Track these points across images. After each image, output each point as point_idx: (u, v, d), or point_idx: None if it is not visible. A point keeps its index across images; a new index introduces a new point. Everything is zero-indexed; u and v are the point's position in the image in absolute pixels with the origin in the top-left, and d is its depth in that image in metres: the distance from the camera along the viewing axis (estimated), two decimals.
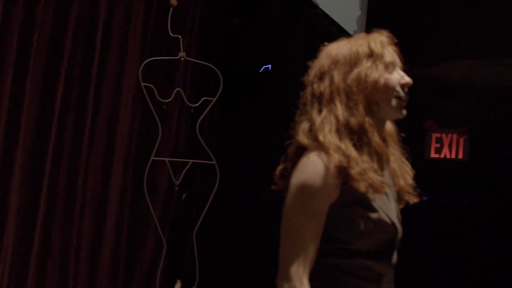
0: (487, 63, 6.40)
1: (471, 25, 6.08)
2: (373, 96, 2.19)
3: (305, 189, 2.09)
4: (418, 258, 7.09)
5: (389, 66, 2.23)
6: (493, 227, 7.30)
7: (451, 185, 7.61)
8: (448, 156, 7.36)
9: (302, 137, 2.17)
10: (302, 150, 2.17)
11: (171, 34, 5.31)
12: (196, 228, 5.45)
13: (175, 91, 5.41)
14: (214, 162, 5.53)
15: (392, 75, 2.23)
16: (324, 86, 2.20)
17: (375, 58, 2.21)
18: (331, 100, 2.17)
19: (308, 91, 2.24)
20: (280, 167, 2.27)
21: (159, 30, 5.36)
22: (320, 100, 2.19)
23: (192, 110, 5.54)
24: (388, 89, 2.21)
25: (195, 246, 5.45)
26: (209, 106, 5.54)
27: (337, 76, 2.19)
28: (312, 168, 2.10)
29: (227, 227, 5.75)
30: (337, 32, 5.96)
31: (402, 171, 2.33)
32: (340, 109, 2.15)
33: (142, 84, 5.21)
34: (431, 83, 7.02)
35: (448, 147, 7.36)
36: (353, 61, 2.20)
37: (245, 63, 5.80)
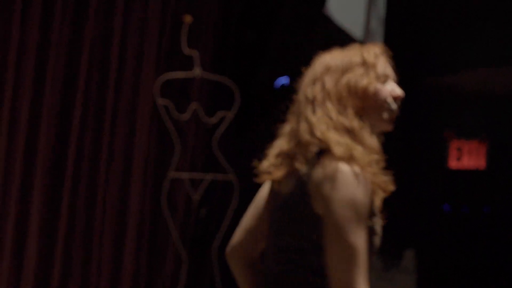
0: (506, 70, 6.36)
1: (489, 33, 6.05)
2: (363, 104, 2.20)
3: (357, 204, 2.05)
4: (440, 267, 7.04)
5: (381, 77, 2.23)
6: None
7: (472, 194, 7.57)
8: (468, 165, 7.31)
9: (311, 135, 2.17)
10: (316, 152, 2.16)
11: (186, 50, 5.28)
12: (216, 244, 5.43)
13: (191, 107, 5.39)
14: (232, 177, 5.51)
15: (384, 86, 2.23)
16: (316, 91, 2.22)
17: (367, 67, 2.22)
18: (323, 103, 2.19)
19: (301, 94, 2.26)
20: (289, 168, 2.27)
21: (173, 47, 5.35)
22: (313, 102, 2.21)
23: (209, 125, 5.52)
24: (378, 99, 2.22)
25: (216, 262, 5.42)
26: (226, 121, 5.51)
27: (328, 82, 2.21)
28: (353, 180, 2.06)
29: None
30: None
31: None
32: (332, 111, 2.17)
33: (159, 101, 5.20)
34: (449, 92, 6.99)
35: (468, 156, 7.32)
36: (344, 69, 2.22)
37: (260, 77, 5.78)
